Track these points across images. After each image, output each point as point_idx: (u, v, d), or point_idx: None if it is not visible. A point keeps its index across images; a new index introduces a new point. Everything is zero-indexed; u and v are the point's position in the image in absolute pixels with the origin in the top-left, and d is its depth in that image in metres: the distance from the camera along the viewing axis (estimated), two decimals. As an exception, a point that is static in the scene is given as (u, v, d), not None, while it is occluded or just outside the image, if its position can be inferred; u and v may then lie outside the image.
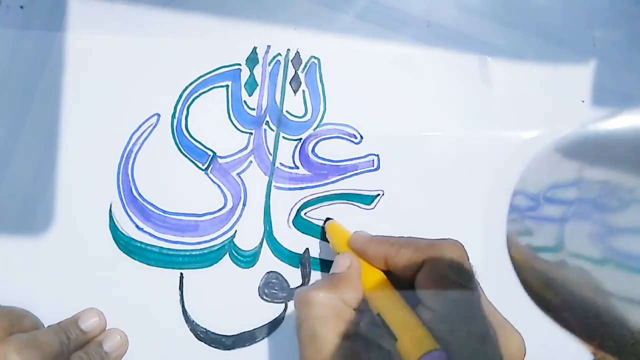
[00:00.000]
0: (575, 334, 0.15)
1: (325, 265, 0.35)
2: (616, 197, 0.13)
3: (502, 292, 0.35)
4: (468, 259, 0.28)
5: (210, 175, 0.35)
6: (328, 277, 0.30)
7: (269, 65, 0.36)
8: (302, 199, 0.35)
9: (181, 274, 0.34)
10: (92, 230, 0.34)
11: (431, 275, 0.27)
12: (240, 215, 0.35)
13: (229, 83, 0.36)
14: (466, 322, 0.26)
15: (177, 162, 0.35)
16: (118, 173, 0.34)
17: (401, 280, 0.29)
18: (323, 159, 0.36)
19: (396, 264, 0.29)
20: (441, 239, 0.29)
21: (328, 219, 0.35)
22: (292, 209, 0.35)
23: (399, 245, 0.29)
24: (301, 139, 0.36)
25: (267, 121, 0.36)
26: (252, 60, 0.36)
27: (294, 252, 0.35)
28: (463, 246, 0.28)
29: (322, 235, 0.35)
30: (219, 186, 0.35)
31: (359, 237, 0.32)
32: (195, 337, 0.34)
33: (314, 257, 0.35)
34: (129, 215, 0.34)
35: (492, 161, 0.36)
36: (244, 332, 0.34)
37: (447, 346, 0.25)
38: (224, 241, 0.35)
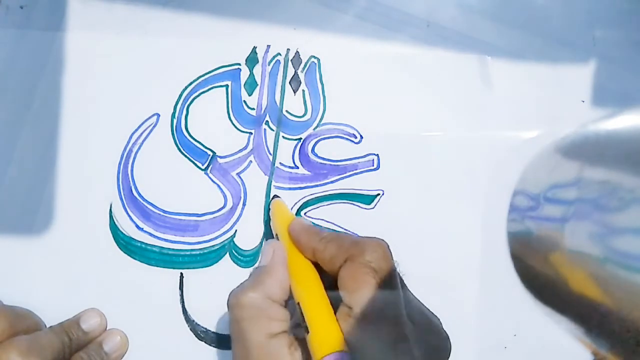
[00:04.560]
0: (575, 333, 0.15)
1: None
2: (616, 197, 0.13)
3: (502, 292, 0.35)
4: (391, 258, 0.28)
5: (210, 175, 0.35)
6: (253, 273, 0.31)
7: (269, 65, 0.36)
8: (302, 198, 0.35)
9: (181, 273, 0.34)
10: (92, 230, 0.34)
11: (350, 274, 0.27)
12: (240, 215, 0.35)
13: (229, 83, 0.36)
14: (379, 324, 0.26)
15: (177, 162, 0.35)
16: (118, 173, 0.34)
17: (330, 276, 0.29)
18: (323, 158, 0.36)
19: (322, 258, 0.29)
20: (366, 237, 0.29)
21: (275, 196, 0.35)
22: (292, 209, 0.35)
23: (326, 240, 0.29)
24: (301, 138, 0.36)
25: (266, 121, 0.36)
26: (251, 60, 0.36)
27: (294, 252, 0.35)
28: (387, 245, 0.28)
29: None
30: (218, 186, 0.35)
31: (297, 224, 0.31)
32: (195, 336, 0.34)
33: (314, 257, 0.35)
34: (129, 215, 0.34)
35: (492, 161, 0.36)
36: (244, 332, 0.34)
37: (356, 348, 0.25)
38: (224, 241, 0.35)
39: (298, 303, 0.28)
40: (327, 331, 0.26)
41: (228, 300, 0.29)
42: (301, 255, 0.30)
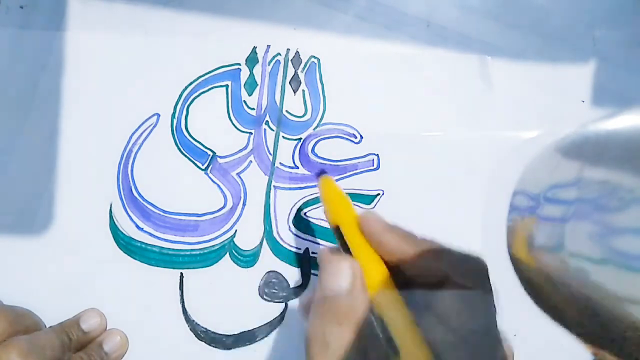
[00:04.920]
0: (575, 333, 0.15)
1: (325, 265, 0.35)
2: (616, 197, 0.13)
3: (502, 292, 0.35)
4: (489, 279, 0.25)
5: (210, 175, 0.35)
6: (333, 304, 0.24)
7: (269, 65, 0.36)
8: (302, 198, 0.35)
9: (181, 273, 0.34)
10: (92, 230, 0.34)
11: (455, 304, 0.23)
12: (240, 215, 0.35)
13: (229, 83, 0.36)
14: (479, 350, 0.23)
15: (177, 162, 0.35)
16: (118, 173, 0.34)
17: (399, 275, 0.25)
18: (323, 158, 0.36)
19: (417, 267, 0.25)
20: (468, 253, 0.25)
21: (322, 172, 0.31)
22: (292, 209, 0.35)
23: (422, 246, 0.25)
24: (301, 138, 0.36)
25: (266, 121, 0.36)
26: (251, 60, 0.36)
27: (294, 252, 0.35)
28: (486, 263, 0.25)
29: (320, 234, 0.35)
30: (218, 186, 0.35)
31: (373, 221, 0.26)
32: (195, 336, 0.34)
33: (313, 257, 0.35)
34: (129, 215, 0.34)
35: (492, 161, 0.36)
36: (244, 332, 0.34)
37: None
38: (224, 241, 0.35)
39: (381, 319, 0.24)
40: (420, 356, 0.23)
41: (309, 337, 0.24)
42: (375, 260, 0.25)
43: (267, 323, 0.34)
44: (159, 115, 0.35)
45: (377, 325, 0.24)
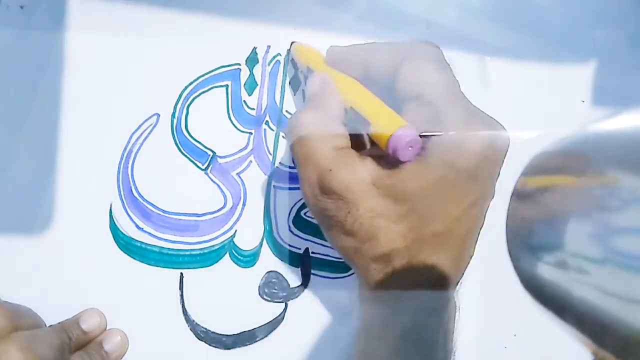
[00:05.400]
0: (575, 333, 0.15)
1: (325, 264, 0.35)
2: (616, 197, 0.13)
3: (502, 292, 0.35)
4: (443, 55, 0.29)
5: (210, 175, 0.35)
6: (308, 100, 0.31)
7: (269, 65, 0.36)
8: (302, 198, 0.35)
9: (181, 273, 0.34)
10: (92, 230, 0.34)
11: (413, 68, 0.28)
12: (240, 215, 0.35)
13: (229, 83, 0.36)
14: (452, 104, 0.27)
15: (177, 162, 0.35)
16: (118, 173, 0.34)
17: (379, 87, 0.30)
18: (323, 158, 0.36)
19: (376, 65, 0.29)
20: (416, 41, 0.30)
21: (292, 42, 0.35)
22: (292, 209, 0.35)
23: (376, 47, 0.30)
24: (301, 138, 0.36)
25: (267, 121, 0.36)
26: (251, 60, 0.36)
27: (294, 252, 0.35)
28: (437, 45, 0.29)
29: (320, 234, 0.35)
30: (218, 186, 0.35)
31: (335, 49, 0.32)
32: (195, 336, 0.34)
33: (314, 257, 0.35)
34: (129, 215, 0.34)
35: (492, 161, 0.36)
36: (244, 332, 0.34)
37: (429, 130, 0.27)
38: (224, 241, 0.35)
39: (351, 107, 0.29)
40: (388, 115, 0.27)
41: (288, 125, 0.30)
42: (345, 76, 0.30)
43: (267, 323, 0.34)
44: (159, 115, 0.35)
45: (347, 112, 0.29)
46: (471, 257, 0.29)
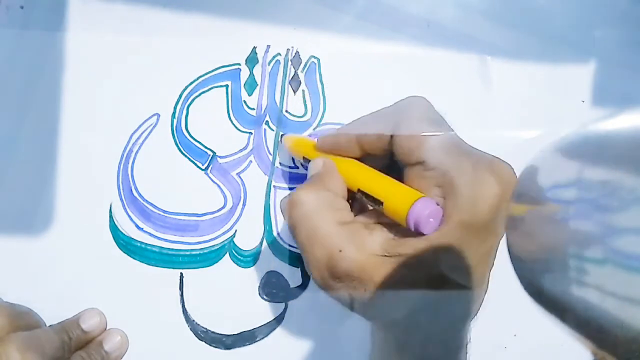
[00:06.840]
0: (576, 334, 0.15)
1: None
2: (616, 197, 0.13)
3: (502, 292, 0.35)
4: (433, 107, 0.28)
5: (210, 175, 0.35)
6: (308, 179, 0.30)
7: (269, 65, 0.36)
8: (302, 198, 0.35)
9: (181, 273, 0.34)
10: (92, 230, 0.34)
11: (410, 138, 0.27)
12: (240, 215, 0.35)
13: (229, 83, 0.36)
14: (456, 167, 0.26)
15: (177, 162, 0.35)
16: (118, 173, 0.34)
17: (379, 161, 0.29)
18: (323, 158, 0.36)
19: (370, 141, 0.29)
20: (401, 101, 0.29)
21: (282, 135, 0.35)
22: (292, 209, 0.35)
23: (365, 123, 0.30)
24: (301, 138, 0.36)
25: (266, 121, 0.36)
26: (251, 60, 0.36)
27: (294, 252, 0.35)
28: (424, 98, 0.28)
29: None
30: (218, 186, 0.35)
31: (325, 138, 0.31)
32: (195, 336, 0.34)
33: (314, 257, 0.35)
34: (129, 215, 0.34)
35: (492, 161, 0.36)
36: (244, 332, 0.34)
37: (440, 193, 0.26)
38: (224, 241, 0.35)
39: (359, 190, 0.28)
40: (400, 191, 0.27)
41: (283, 205, 0.28)
42: (344, 159, 0.30)
43: (267, 323, 0.34)
44: (159, 115, 0.35)
45: (358, 196, 0.28)
46: (486, 292, 0.28)
